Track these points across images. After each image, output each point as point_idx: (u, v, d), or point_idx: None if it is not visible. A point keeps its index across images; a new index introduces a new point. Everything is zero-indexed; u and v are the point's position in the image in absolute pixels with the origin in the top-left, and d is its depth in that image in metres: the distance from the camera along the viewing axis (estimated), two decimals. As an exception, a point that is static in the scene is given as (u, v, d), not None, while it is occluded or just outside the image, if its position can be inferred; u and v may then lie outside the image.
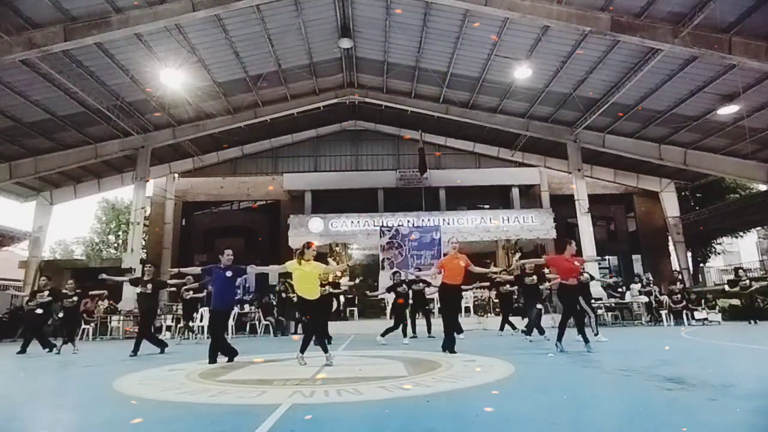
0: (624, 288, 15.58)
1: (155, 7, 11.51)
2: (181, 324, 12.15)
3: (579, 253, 16.73)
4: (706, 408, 2.92)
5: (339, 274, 15.10)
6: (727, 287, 14.05)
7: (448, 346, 6.26)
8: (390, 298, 11.53)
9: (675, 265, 20.11)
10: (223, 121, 17.73)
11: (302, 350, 5.47)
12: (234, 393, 3.83)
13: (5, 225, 18.86)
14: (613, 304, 14.83)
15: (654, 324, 13.17)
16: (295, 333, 14.13)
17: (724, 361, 5.13)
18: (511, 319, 10.53)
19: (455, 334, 6.74)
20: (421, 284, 9.77)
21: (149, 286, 8.05)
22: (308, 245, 5.67)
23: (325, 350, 5.41)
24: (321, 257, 17.55)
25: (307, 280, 5.54)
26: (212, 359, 5.93)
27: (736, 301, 13.69)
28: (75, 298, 9.09)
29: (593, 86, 14.73)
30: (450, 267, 6.49)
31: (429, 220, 17.52)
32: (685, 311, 12.86)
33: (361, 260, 19.83)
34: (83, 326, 12.55)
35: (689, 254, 20.41)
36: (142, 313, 8.42)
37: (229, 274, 6.33)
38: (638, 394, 3.40)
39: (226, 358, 6.13)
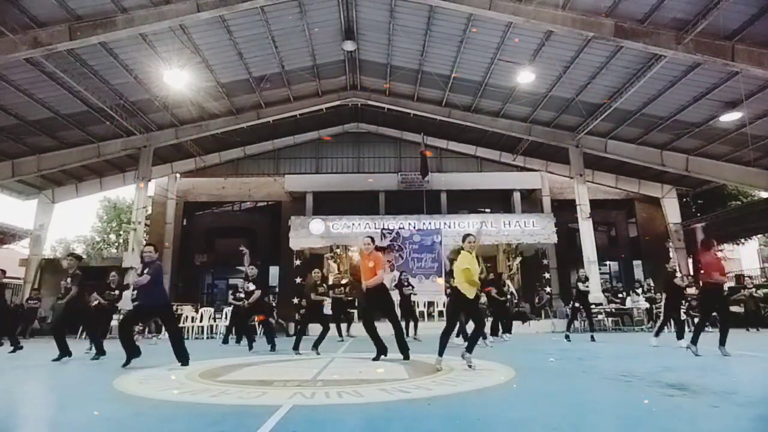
0: (624, 293, 15.56)
1: (160, 8, 11.55)
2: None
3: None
4: (708, 415, 2.91)
5: (340, 275, 15.10)
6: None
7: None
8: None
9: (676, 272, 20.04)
10: (226, 121, 17.76)
11: (470, 350, 5.03)
12: (234, 393, 3.82)
13: (6, 222, 18.89)
14: (613, 310, 14.79)
15: (655, 330, 13.11)
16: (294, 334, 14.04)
17: (726, 368, 5.12)
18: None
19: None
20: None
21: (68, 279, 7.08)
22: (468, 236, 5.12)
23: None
24: (321, 259, 17.66)
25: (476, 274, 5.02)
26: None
27: (735, 308, 13.65)
28: (117, 292, 8.63)
29: (596, 91, 14.73)
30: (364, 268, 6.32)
31: (430, 223, 17.48)
32: (686, 318, 12.80)
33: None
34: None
35: (690, 261, 20.36)
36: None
37: None
38: (640, 400, 3.39)
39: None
